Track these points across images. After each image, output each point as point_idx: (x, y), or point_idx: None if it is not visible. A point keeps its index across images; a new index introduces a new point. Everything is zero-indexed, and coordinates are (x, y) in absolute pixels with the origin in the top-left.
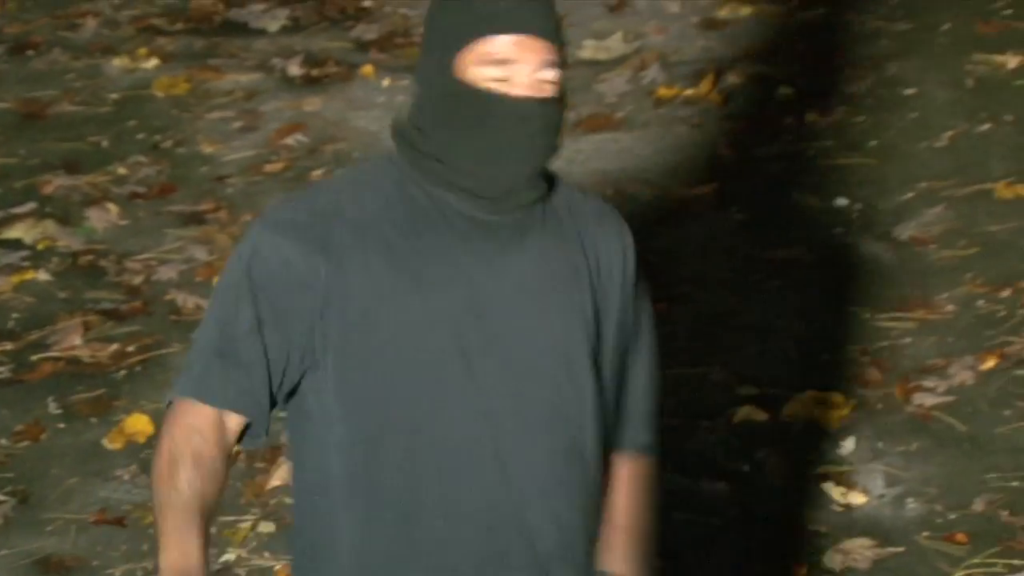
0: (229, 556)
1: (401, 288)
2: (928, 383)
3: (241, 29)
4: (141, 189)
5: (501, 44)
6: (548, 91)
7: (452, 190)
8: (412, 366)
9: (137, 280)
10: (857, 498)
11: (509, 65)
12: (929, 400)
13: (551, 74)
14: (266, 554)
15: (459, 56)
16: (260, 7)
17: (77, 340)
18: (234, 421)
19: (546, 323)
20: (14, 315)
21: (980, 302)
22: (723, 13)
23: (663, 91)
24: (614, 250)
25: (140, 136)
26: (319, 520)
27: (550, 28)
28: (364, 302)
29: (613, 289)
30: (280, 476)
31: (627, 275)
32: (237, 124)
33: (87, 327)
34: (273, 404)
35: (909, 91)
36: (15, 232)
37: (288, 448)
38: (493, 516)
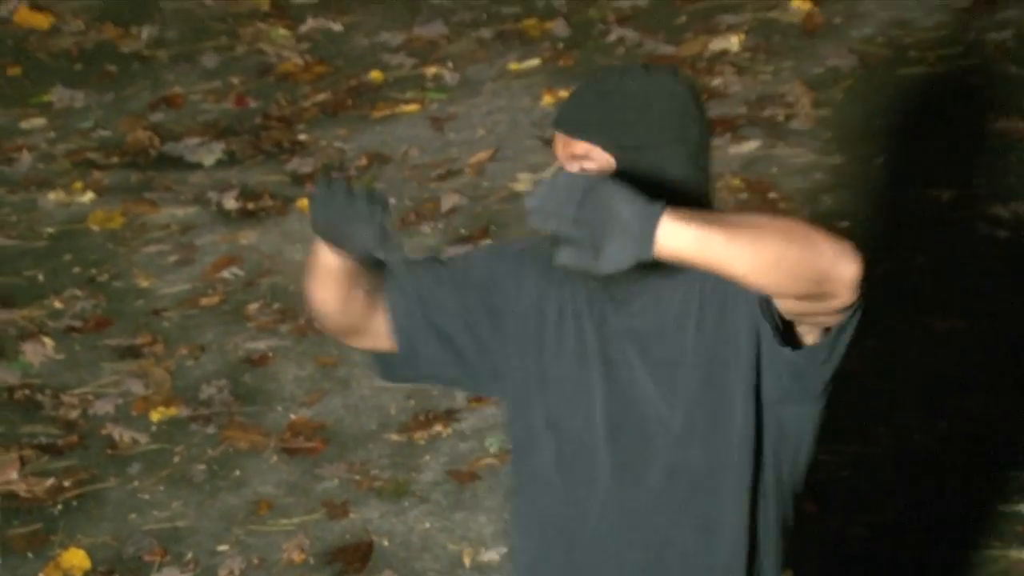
0: None
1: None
2: (864, 516)
3: (177, 163)
4: (77, 323)
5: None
6: None
7: None
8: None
9: (73, 414)
10: None
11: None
12: (864, 533)
13: (574, 167)
14: None
15: None
16: (195, 141)
17: (13, 475)
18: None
19: None
20: None
21: (916, 436)
22: None
23: None
24: None
25: (76, 270)
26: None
27: (577, 126)
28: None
29: None
30: None
31: None
32: (173, 258)
33: (23, 461)
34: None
35: (844, 224)
36: None
37: None
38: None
